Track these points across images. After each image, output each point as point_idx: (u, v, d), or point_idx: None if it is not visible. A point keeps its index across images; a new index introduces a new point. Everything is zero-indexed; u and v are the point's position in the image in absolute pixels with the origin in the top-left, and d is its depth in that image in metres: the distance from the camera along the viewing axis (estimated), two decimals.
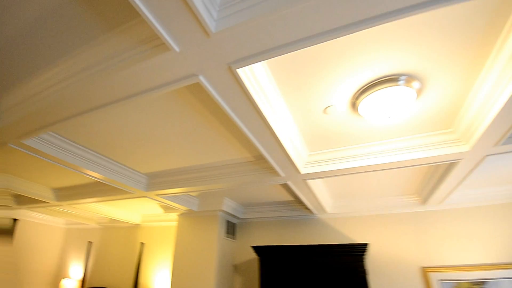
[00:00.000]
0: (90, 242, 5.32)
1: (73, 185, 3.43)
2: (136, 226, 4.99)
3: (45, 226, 5.66)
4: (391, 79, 1.52)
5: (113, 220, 5.12)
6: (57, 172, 2.99)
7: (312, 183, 2.63)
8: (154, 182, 2.92)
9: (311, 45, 1.12)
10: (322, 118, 1.90)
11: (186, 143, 2.25)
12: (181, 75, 1.31)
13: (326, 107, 1.77)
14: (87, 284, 5.09)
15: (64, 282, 5.06)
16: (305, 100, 1.72)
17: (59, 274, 5.63)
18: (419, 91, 1.60)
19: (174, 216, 4.34)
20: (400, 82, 1.53)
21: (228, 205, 3.63)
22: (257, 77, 1.41)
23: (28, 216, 5.36)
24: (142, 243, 4.56)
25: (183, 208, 3.58)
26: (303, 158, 2.30)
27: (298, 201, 3.50)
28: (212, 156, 2.46)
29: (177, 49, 1.14)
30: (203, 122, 1.94)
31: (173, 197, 3.24)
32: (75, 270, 5.43)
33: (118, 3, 1.17)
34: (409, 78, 1.52)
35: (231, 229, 3.85)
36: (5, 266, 4.80)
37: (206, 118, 1.90)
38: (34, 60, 1.46)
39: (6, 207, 4.37)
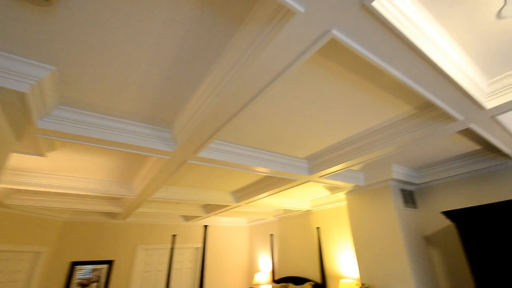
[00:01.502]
0: (271, 235, 5.86)
1: (245, 186, 3.86)
2: (308, 213, 5.14)
3: (231, 228, 6.79)
4: None
5: (286, 211, 5.51)
6: (230, 176, 3.40)
7: (505, 117, 1.94)
8: (314, 164, 2.86)
9: None
10: (496, 27, 1.39)
11: (336, 115, 2.07)
12: (314, 36, 1.19)
13: (499, 10, 1.30)
14: (276, 276, 5.62)
15: (256, 276, 5.75)
16: (466, 11, 1.29)
17: (251, 268, 6.53)
18: None
19: (342, 195, 4.24)
20: None
21: (399, 172, 3.15)
22: (397, 5, 1.12)
23: (216, 222, 6.65)
24: (318, 227, 4.60)
25: (349, 185, 3.36)
26: (483, 89, 1.72)
27: (489, 148, 2.68)
28: (367, 121, 2.17)
29: (302, 9, 1.06)
30: (348, 86, 1.72)
31: (336, 176, 3.09)
32: (264, 263, 6.14)
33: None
34: None
35: (409, 197, 3.34)
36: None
37: (350, 80, 1.67)
38: (189, 80, 1.62)
39: (198, 217, 5.57)
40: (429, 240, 3.20)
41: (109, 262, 5.03)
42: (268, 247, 6.09)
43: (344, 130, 2.33)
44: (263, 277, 5.70)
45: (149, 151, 2.11)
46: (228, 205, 4.31)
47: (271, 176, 3.35)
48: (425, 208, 3.33)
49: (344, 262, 4.22)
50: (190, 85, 1.64)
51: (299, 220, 5.38)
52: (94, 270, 4.85)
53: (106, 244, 5.16)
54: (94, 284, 4.79)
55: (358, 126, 2.25)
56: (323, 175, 2.93)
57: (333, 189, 3.84)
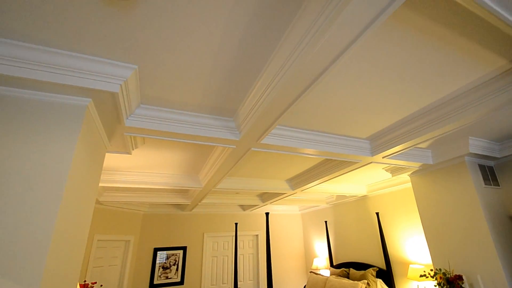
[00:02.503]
0: (325, 221, 5.76)
1: (300, 173, 3.75)
2: (364, 198, 4.89)
3: (285, 215, 6.80)
4: None
5: (339, 197, 5.31)
6: (286, 163, 3.31)
7: None
8: (377, 144, 2.60)
9: None
10: None
11: (408, 86, 1.78)
12: None
13: None
14: (334, 261, 5.47)
15: (315, 260, 5.72)
16: None
17: (307, 254, 6.49)
18: None
19: (403, 178, 3.86)
20: None
21: (476, 146, 2.72)
22: None
23: (271, 210, 6.72)
24: (377, 213, 4.36)
25: (415, 165, 3.00)
26: None
27: None
28: (441, 88, 1.83)
29: None
30: (430, 46, 1.44)
31: (401, 155, 2.78)
32: (320, 249, 6.04)
33: None
34: None
35: (489, 174, 2.88)
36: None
37: (436, 36, 1.38)
38: (253, 66, 1.53)
39: (254, 206, 5.73)
40: None
41: (183, 248, 5.56)
42: (323, 234, 5.95)
43: (410, 104, 2.01)
44: (321, 262, 5.63)
45: (217, 141, 2.10)
46: (284, 193, 4.27)
47: (330, 160, 3.15)
48: (509, 185, 2.83)
49: (411, 247, 3.89)
50: (253, 70, 1.56)
51: (354, 206, 5.12)
52: (172, 255, 5.41)
53: (179, 232, 5.64)
54: (174, 267, 5.38)
55: (428, 97, 1.93)
56: (386, 155, 2.65)
57: (395, 171, 3.49)
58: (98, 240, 4.24)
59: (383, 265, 4.30)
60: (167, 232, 5.57)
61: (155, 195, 4.44)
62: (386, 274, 4.12)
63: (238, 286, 5.88)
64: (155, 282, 5.11)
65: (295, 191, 4.07)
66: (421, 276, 2.79)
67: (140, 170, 3.38)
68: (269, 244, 3.57)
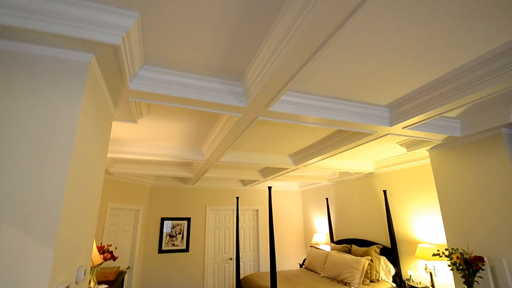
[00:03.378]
0: (326, 199, 5.83)
1: (306, 147, 3.68)
2: (370, 175, 4.84)
3: (285, 192, 6.89)
4: None
5: (342, 174, 5.33)
6: (291, 137, 3.25)
7: None
8: (398, 112, 2.31)
9: None
10: None
11: (431, 43, 1.55)
12: None
13: None
14: (335, 237, 5.60)
15: (315, 236, 5.87)
16: None
17: (307, 229, 6.67)
18: None
19: (417, 155, 3.73)
20: None
21: None
22: None
23: (271, 186, 6.91)
24: (384, 190, 4.26)
25: (438, 137, 2.70)
26: None
27: None
28: (476, 47, 1.58)
29: None
30: None
31: (423, 126, 2.48)
32: (320, 225, 6.18)
33: None
34: None
35: None
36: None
37: None
38: (264, 19, 1.38)
39: (255, 181, 5.71)
40: None
41: (187, 219, 5.80)
42: (324, 210, 6.05)
43: (439, 65, 1.76)
44: (321, 238, 5.79)
45: (222, 109, 2.00)
46: (286, 168, 4.26)
47: (340, 132, 2.96)
48: None
49: (420, 227, 3.81)
50: (262, 27, 1.41)
51: (358, 183, 5.12)
52: (177, 225, 5.68)
53: (183, 204, 5.80)
54: (179, 236, 5.67)
55: (459, 57, 1.67)
56: (407, 126, 2.38)
57: (412, 145, 3.22)
58: (111, 208, 4.51)
59: (387, 243, 4.34)
60: (172, 204, 5.78)
61: (161, 168, 4.55)
62: (391, 252, 4.12)
63: (240, 256, 6.17)
64: (163, 248, 5.40)
65: (297, 166, 4.11)
66: (434, 255, 2.71)
67: (145, 142, 3.43)
68: (272, 217, 3.69)
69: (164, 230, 5.47)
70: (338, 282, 4.01)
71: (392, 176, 4.41)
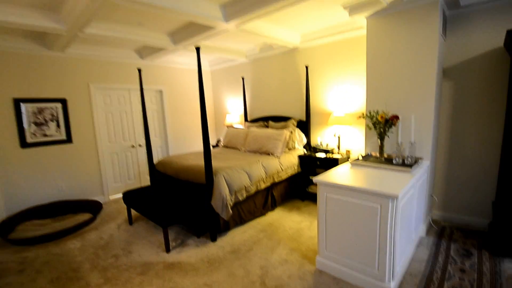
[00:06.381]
0: (242, 78, 5.47)
1: None
2: (293, 51, 4.65)
3: (192, 71, 5.99)
4: None
5: (264, 49, 4.96)
6: None
7: None
8: None
9: None
10: None
11: None
12: None
13: None
14: (250, 117, 5.59)
15: (228, 117, 5.74)
16: None
17: (219, 111, 6.44)
18: None
19: (347, 26, 3.70)
20: None
21: None
22: None
23: (174, 63, 5.62)
24: (307, 66, 4.29)
25: None
26: None
27: None
28: None
29: None
30: None
31: None
32: (233, 106, 6.01)
33: None
34: None
35: (445, 24, 2.88)
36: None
37: None
38: None
39: (159, 51, 4.44)
40: (445, 72, 3.05)
41: (62, 101, 4.15)
42: (238, 91, 5.79)
43: None
44: (234, 118, 5.74)
45: None
46: (212, 27, 3.33)
47: None
48: (451, 39, 2.98)
49: (333, 99, 4.19)
50: None
51: (279, 59, 4.89)
52: (45, 108, 4.04)
53: (50, 80, 4.04)
54: (52, 123, 4.14)
55: None
56: None
57: (355, 9, 2.99)
58: None
59: (303, 117, 4.64)
60: (31, 79, 3.95)
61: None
62: (305, 124, 4.51)
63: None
64: (29, 140, 3.93)
65: (228, 24, 3.26)
66: (359, 117, 3.05)
67: None
68: (202, 85, 3.03)
69: (24, 117, 3.88)
70: (261, 154, 4.19)
71: (316, 51, 4.38)
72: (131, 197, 3.51)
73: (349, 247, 2.17)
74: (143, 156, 5.36)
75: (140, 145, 5.31)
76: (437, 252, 2.56)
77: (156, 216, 2.91)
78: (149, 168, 4.09)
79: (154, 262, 2.70)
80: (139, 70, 3.95)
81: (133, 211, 4.02)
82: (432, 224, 3.17)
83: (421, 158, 2.76)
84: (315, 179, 2.29)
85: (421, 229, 2.92)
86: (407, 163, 2.56)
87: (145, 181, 5.42)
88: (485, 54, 2.84)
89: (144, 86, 5.11)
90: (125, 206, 4.37)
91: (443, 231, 3.00)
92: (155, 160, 5.15)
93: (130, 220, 3.71)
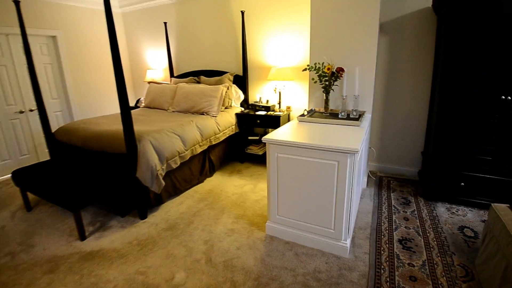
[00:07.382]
0: (165, 23, 4.55)
1: None
2: None
3: (97, 12, 4.76)
4: None
5: None
6: None
7: None
8: None
9: None
10: None
11: None
12: None
13: None
14: (177, 72, 4.84)
15: (148, 73, 4.84)
16: None
17: (137, 65, 5.39)
18: None
19: None
20: None
21: None
22: None
23: (74, 1, 4.55)
24: (242, 11, 3.79)
25: None
26: None
27: None
28: None
29: None
30: None
31: None
32: (155, 59, 5.10)
33: None
34: None
35: None
36: None
37: None
38: None
39: None
40: (381, 27, 3.04)
41: None
42: (160, 40, 4.87)
43: None
44: (157, 74, 4.90)
45: None
46: None
47: None
48: None
49: (272, 52, 3.86)
50: None
51: (210, 2, 4.18)
52: None
53: None
54: None
55: None
56: None
57: None
58: None
59: (239, 71, 4.19)
60: None
61: None
62: (242, 79, 4.09)
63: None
64: None
65: None
66: (304, 70, 2.80)
67: None
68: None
69: None
70: (194, 114, 3.69)
71: None
72: (25, 177, 2.66)
73: (303, 209, 2.02)
74: (38, 124, 4.19)
75: (31, 110, 4.11)
76: (380, 203, 2.67)
77: (62, 198, 2.24)
78: (46, 138, 3.16)
79: (66, 254, 2.12)
80: (17, 3, 2.78)
81: (31, 195, 3.12)
82: (371, 175, 3.34)
83: (364, 111, 2.73)
84: (265, 138, 2.00)
85: (363, 181, 3.01)
86: (352, 117, 2.48)
87: (45, 155, 4.32)
88: (417, 12, 2.89)
89: (29, 30, 3.76)
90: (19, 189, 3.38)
91: (381, 182, 3.18)
92: (54, 128, 4.06)
93: (28, 206, 2.87)
